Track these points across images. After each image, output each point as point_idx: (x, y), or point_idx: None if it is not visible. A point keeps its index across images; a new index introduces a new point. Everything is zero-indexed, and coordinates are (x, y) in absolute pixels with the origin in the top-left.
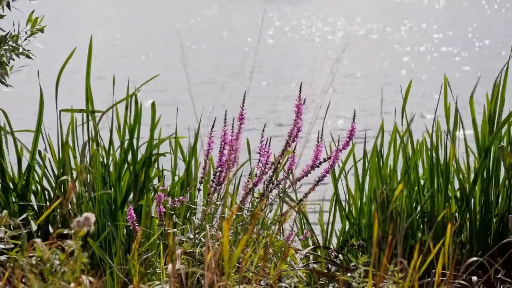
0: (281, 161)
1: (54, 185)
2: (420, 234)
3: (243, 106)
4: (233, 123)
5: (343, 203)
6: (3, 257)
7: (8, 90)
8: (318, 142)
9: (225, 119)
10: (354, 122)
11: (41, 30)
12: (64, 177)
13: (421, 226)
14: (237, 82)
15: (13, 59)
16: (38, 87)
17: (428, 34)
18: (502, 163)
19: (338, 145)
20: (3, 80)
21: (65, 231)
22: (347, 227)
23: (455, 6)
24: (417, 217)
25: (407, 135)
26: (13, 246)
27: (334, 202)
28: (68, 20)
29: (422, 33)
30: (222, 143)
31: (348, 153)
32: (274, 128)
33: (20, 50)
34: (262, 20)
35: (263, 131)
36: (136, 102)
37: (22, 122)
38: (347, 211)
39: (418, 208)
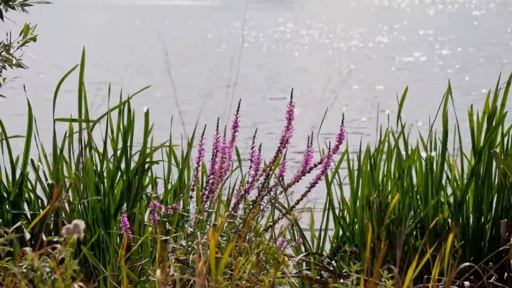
0: (272, 167)
1: (48, 194)
2: (412, 240)
3: (237, 114)
4: (225, 131)
5: (337, 209)
6: None
7: (2, 100)
8: (308, 147)
9: (217, 127)
10: (342, 125)
11: (34, 39)
12: (50, 181)
13: (414, 232)
14: (223, 91)
15: (5, 69)
16: (27, 96)
17: (420, 40)
18: (493, 168)
19: (329, 150)
20: None
21: (56, 239)
22: (340, 234)
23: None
24: (410, 222)
25: (401, 140)
26: (3, 254)
27: (327, 208)
28: (64, 30)
29: (413, 39)
30: (215, 150)
31: (341, 158)
32: (264, 138)
33: (14, 61)
34: (243, 29)
35: (254, 137)
36: (129, 110)
37: (17, 131)
38: (340, 217)
39: (411, 214)
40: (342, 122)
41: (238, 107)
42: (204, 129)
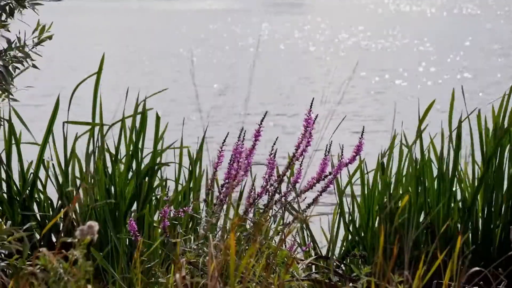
0: (286, 174)
1: (58, 195)
2: (422, 245)
3: (261, 124)
4: (240, 136)
5: (347, 213)
6: (3, 264)
7: (17, 103)
8: (325, 155)
9: (239, 136)
10: (362, 138)
11: (50, 38)
12: (70, 188)
13: (424, 237)
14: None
15: (19, 68)
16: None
17: (428, 45)
18: (505, 172)
19: (342, 158)
20: (9, 91)
21: (69, 240)
22: (349, 238)
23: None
24: (421, 227)
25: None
26: (15, 251)
27: (338, 213)
28: (82, 32)
29: (422, 44)
30: (233, 156)
31: (357, 167)
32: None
33: (26, 65)
34: (259, 37)
35: (274, 143)
36: (143, 112)
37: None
38: (351, 222)
39: (422, 218)
40: (362, 134)
41: (263, 117)
42: (226, 136)
